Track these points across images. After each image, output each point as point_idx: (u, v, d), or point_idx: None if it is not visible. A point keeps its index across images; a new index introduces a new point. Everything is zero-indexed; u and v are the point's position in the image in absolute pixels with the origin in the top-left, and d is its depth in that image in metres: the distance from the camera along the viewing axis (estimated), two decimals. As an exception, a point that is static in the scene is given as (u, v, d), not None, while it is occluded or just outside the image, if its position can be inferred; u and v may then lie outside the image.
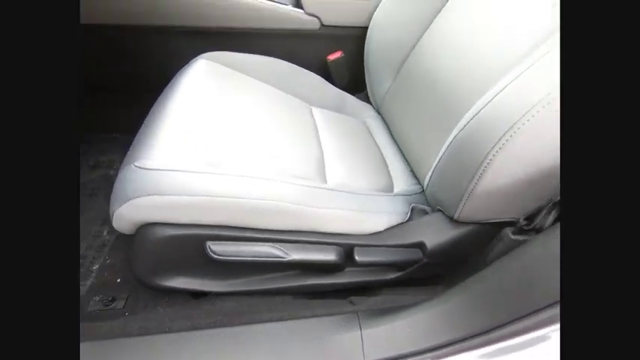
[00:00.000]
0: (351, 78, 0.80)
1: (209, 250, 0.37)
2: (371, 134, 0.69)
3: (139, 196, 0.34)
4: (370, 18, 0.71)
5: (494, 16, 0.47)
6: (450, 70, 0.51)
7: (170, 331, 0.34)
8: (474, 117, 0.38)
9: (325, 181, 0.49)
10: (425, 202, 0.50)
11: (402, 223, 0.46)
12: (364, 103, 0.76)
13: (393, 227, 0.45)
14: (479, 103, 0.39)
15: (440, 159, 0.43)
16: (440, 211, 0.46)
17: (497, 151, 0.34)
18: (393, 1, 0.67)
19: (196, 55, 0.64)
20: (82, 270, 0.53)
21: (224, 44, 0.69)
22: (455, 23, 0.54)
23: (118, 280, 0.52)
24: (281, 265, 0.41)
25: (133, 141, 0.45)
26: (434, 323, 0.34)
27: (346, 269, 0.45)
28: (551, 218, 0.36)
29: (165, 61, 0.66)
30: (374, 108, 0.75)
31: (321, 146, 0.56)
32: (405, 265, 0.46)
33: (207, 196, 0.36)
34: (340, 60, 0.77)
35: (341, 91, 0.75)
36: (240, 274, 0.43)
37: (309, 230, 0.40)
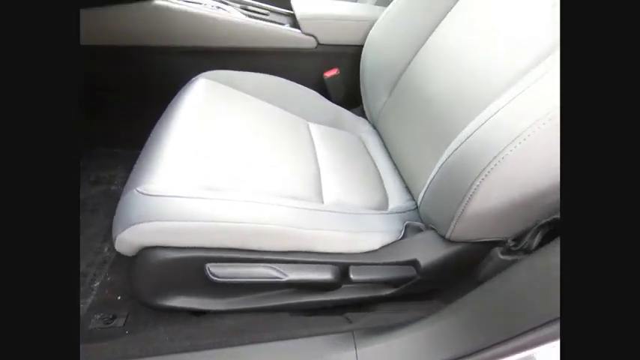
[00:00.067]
0: (347, 93, 0.82)
1: (209, 272, 0.38)
2: (367, 149, 0.71)
3: (141, 222, 0.36)
4: (365, 36, 0.73)
5: (488, 38, 0.49)
6: (443, 89, 0.53)
7: (171, 352, 0.35)
8: (464, 141, 0.39)
9: (322, 200, 0.50)
10: (419, 218, 0.52)
11: (396, 241, 0.47)
12: (360, 118, 0.78)
13: (387, 245, 0.47)
14: (470, 127, 0.40)
15: (432, 179, 0.45)
16: (433, 229, 0.47)
17: (484, 177, 0.35)
18: (388, 20, 0.69)
19: (197, 73, 0.66)
20: (83, 288, 0.54)
21: (224, 62, 0.71)
22: (448, 43, 0.56)
23: (119, 298, 0.53)
24: (278, 285, 0.43)
25: (133, 156, 0.47)
26: (427, 343, 0.35)
27: (342, 286, 0.47)
28: (537, 239, 0.37)
29: (166, 79, 0.68)
30: (370, 123, 0.76)
31: (317, 163, 0.58)
32: (400, 282, 0.47)
33: (208, 221, 0.37)
34: (336, 77, 0.80)
35: (337, 106, 0.77)
36: (239, 293, 0.44)
37: (305, 250, 0.42)
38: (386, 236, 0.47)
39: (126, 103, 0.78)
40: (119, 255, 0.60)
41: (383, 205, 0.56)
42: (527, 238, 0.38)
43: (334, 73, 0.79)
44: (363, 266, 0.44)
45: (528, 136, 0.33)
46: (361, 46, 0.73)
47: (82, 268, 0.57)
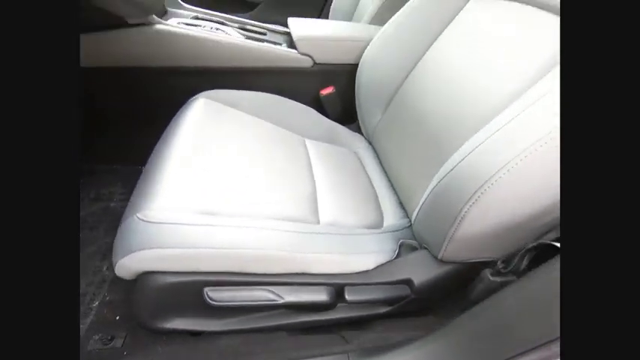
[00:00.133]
0: (344, 110, 0.84)
1: (207, 296, 0.39)
2: (362, 165, 0.72)
3: (142, 249, 0.37)
4: (360, 55, 0.75)
5: (481, 60, 0.50)
6: (436, 109, 0.54)
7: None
8: (455, 166, 0.40)
9: (318, 220, 0.51)
10: (413, 236, 0.53)
11: (390, 261, 0.48)
12: (356, 134, 0.80)
13: (381, 265, 0.48)
14: (461, 152, 0.42)
15: (425, 200, 0.46)
16: (426, 248, 0.48)
17: (474, 202, 0.36)
18: (383, 40, 0.71)
19: (196, 92, 0.68)
20: (82, 308, 0.55)
21: (223, 82, 0.73)
22: (441, 63, 0.58)
23: (117, 318, 0.53)
24: (275, 306, 0.43)
25: (133, 172, 0.48)
26: (420, 365, 0.36)
27: (338, 305, 0.48)
28: (525, 262, 0.39)
29: (166, 98, 0.69)
30: (365, 139, 0.78)
31: (314, 181, 0.59)
32: (395, 301, 0.48)
33: (207, 248, 0.38)
34: (332, 94, 0.82)
35: (333, 122, 0.79)
36: (236, 314, 0.45)
37: (300, 272, 0.43)
38: (380, 256, 0.48)
39: (126, 121, 0.79)
40: (118, 274, 0.61)
41: (378, 223, 0.57)
42: (515, 261, 0.39)
43: (330, 91, 0.81)
44: (358, 286, 0.45)
45: (516, 164, 0.35)
46: (356, 65, 0.75)
47: (82, 287, 0.58)
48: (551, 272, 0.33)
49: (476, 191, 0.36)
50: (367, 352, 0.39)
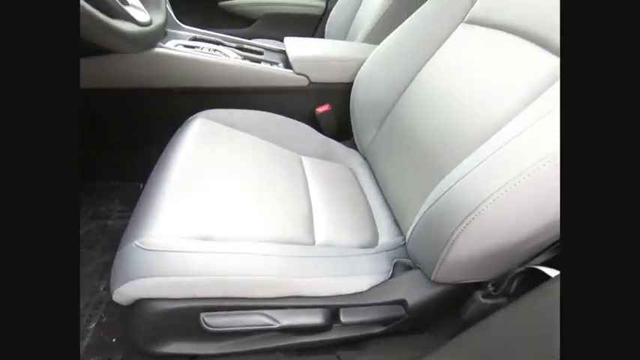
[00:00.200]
0: (339, 127, 0.85)
1: (203, 322, 0.40)
2: (358, 182, 0.73)
3: (140, 278, 0.38)
4: (355, 74, 0.76)
5: (473, 81, 0.52)
6: (429, 129, 0.55)
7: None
8: (446, 191, 0.41)
9: (313, 241, 0.52)
10: (407, 254, 0.54)
11: (384, 281, 0.49)
12: (351, 149, 0.81)
13: (376, 286, 0.48)
14: (451, 176, 0.43)
15: (418, 223, 0.47)
16: (419, 268, 0.49)
17: (463, 229, 0.37)
18: (377, 59, 0.72)
19: (194, 111, 0.69)
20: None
21: (220, 101, 0.74)
22: (434, 83, 0.59)
23: (114, 340, 0.53)
24: (271, 330, 0.44)
25: (131, 188, 0.48)
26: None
27: (333, 326, 0.48)
28: (514, 285, 0.40)
29: (164, 117, 0.71)
30: (361, 155, 0.79)
31: (310, 200, 0.60)
32: (389, 321, 0.48)
33: (204, 275, 0.39)
34: (328, 112, 0.83)
35: (329, 139, 0.80)
36: (232, 338, 0.45)
37: (295, 295, 0.43)
38: (374, 277, 0.48)
39: (125, 140, 0.80)
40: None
41: (373, 242, 0.58)
42: (504, 285, 0.40)
43: (326, 109, 0.83)
44: (353, 308, 0.46)
45: (505, 191, 0.36)
46: (351, 83, 0.77)
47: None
48: (538, 299, 0.33)
49: (465, 217, 0.37)
50: (362, 375, 0.39)
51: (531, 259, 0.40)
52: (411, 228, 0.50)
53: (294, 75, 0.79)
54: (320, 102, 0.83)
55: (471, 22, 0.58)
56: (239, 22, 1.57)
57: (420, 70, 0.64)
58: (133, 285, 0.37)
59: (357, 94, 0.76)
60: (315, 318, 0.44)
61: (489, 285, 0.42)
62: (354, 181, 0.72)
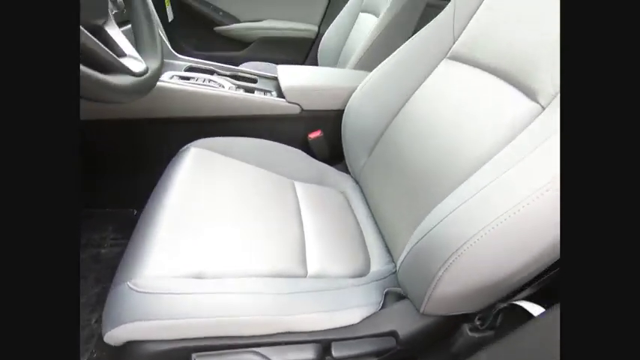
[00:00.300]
0: (331, 152, 0.87)
1: (195, 363, 0.40)
2: (350, 206, 0.74)
3: (133, 321, 0.38)
4: (346, 101, 0.79)
5: (461, 111, 0.53)
6: (417, 158, 0.57)
7: None
8: (432, 229, 0.42)
9: (305, 272, 0.53)
10: (398, 283, 0.54)
11: (375, 313, 0.50)
12: (343, 173, 0.82)
13: (367, 317, 0.49)
14: (437, 212, 0.44)
15: (406, 256, 0.48)
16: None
17: (449, 266, 0.39)
18: (367, 88, 0.75)
19: (189, 140, 0.70)
20: (69, 366, 0.54)
21: (215, 129, 0.76)
22: (421, 113, 0.61)
23: (104, 377, 0.53)
24: (263, 365, 0.44)
25: (125, 215, 0.49)
26: None
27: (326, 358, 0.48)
28: (499, 319, 0.41)
29: (160, 146, 0.72)
30: (353, 178, 0.81)
31: (302, 228, 0.61)
32: (381, 353, 0.49)
33: (196, 317, 0.40)
34: (320, 138, 0.85)
35: (322, 163, 0.82)
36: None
37: (287, 332, 0.44)
38: (365, 309, 0.49)
39: (121, 168, 0.81)
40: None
41: (364, 270, 0.59)
42: (490, 320, 0.41)
43: (318, 135, 0.85)
44: (345, 342, 0.46)
45: (487, 232, 0.37)
46: (342, 110, 0.79)
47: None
48: (526, 336, 0.35)
49: (450, 255, 0.39)
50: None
51: (515, 293, 0.41)
52: (400, 259, 0.51)
53: (287, 104, 0.81)
54: (312, 128, 0.85)
55: (453, 58, 0.61)
56: (235, 45, 1.62)
57: (405, 103, 0.66)
58: (125, 328, 0.38)
59: (348, 122, 0.78)
60: (307, 354, 0.44)
61: (476, 319, 0.43)
62: (346, 206, 0.74)
